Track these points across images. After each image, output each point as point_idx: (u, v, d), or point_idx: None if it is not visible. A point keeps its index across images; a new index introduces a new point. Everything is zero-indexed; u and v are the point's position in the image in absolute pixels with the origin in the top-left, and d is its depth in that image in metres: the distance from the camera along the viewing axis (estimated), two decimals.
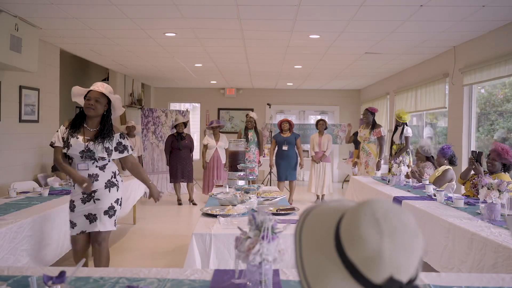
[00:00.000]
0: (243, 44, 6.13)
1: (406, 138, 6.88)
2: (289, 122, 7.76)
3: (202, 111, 11.79)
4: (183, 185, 8.44)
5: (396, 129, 6.90)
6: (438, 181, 4.80)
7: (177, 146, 7.58)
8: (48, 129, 6.27)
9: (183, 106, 12.23)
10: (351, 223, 0.66)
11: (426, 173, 5.48)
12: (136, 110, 9.93)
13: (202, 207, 3.40)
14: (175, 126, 7.70)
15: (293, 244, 0.76)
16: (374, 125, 6.79)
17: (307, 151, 10.49)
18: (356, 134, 8.38)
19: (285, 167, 7.65)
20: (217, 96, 11.74)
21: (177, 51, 6.81)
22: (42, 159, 6.09)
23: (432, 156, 5.54)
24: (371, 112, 6.80)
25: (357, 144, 8.13)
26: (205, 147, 7.87)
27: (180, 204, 7.77)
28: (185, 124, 7.82)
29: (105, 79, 9.63)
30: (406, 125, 6.89)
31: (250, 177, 4.68)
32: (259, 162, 7.93)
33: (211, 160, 7.78)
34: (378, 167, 6.60)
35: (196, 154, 11.15)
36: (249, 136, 7.81)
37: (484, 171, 4.05)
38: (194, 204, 7.75)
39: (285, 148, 7.65)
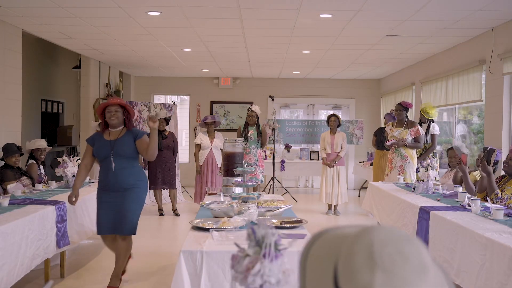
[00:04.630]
0: (241, 25, 6.13)
1: (433, 136, 6.86)
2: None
3: (192, 104, 11.80)
4: (166, 193, 8.43)
5: (420, 126, 6.89)
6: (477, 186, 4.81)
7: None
8: (8, 125, 6.26)
9: (169, 99, 12.23)
10: (347, 255, 0.73)
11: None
12: None
13: (192, 219, 3.40)
14: None
15: (298, 273, 0.84)
16: (407, 123, 6.74)
17: (317, 152, 10.49)
18: (377, 133, 8.36)
19: None
20: (210, 87, 11.75)
21: (162, 34, 6.80)
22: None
23: None
24: (405, 107, 6.76)
25: (380, 145, 8.10)
26: (197, 147, 7.88)
27: (161, 214, 7.79)
28: (167, 120, 7.83)
29: (76, 67, 9.64)
30: (433, 122, 6.89)
31: (250, 184, 4.68)
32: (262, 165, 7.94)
33: (205, 163, 7.79)
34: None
35: (184, 156, 11.15)
36: (249, 134, 7.77)
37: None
38: (177, 215, 7.80)
39: None
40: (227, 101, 11.74)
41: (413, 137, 6.57)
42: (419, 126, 6.65)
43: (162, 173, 7.66)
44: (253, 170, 5.01)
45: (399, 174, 6.55)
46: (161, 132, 7.68)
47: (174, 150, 7.86)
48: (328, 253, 0.77)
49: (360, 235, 0.74)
